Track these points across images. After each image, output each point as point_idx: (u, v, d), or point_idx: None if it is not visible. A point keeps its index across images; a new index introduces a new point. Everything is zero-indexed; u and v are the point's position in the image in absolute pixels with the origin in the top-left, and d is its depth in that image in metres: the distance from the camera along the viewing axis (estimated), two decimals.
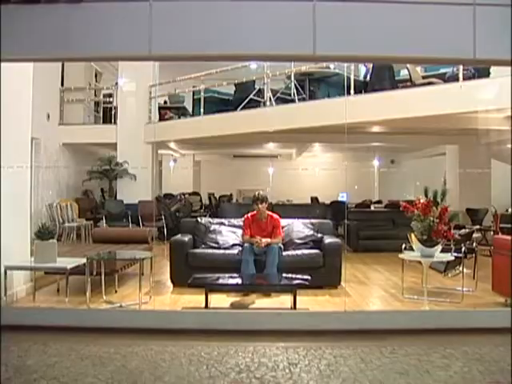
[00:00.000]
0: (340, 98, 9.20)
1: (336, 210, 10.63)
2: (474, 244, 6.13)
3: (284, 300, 5.30)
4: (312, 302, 5.27)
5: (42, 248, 4.81)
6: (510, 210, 11.16)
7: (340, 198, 15.41)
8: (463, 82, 8.16)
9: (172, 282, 6.02)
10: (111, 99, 13.09)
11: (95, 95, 13.59)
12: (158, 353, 3.75)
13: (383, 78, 9.30)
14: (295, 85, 10.28)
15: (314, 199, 14.77)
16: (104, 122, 13.13)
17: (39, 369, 3.39)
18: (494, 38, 4.31)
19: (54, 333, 4.14)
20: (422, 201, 5.08)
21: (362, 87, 9.52)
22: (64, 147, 12.02)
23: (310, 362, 3.61)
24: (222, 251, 6.16)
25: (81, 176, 12.24)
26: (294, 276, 5.27)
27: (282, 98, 10.51)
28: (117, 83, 12.51)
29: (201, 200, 14.34)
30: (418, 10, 4.32)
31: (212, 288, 5.05)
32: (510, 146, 10.33)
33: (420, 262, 5.25)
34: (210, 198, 14.34)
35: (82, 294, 5.14)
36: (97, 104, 13.53)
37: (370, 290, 6.33)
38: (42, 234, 4.86)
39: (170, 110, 12.88)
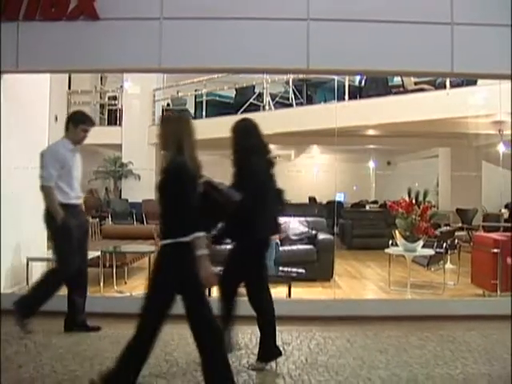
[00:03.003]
0: (336, 103, 9.68)
1: (332, 209, 11.09)
2: (456, 241, 6.60)
3: (280, 291, 5.75)
4: (306, 294, 5.74)
5: None
6: (502, 210, 11.64)
7: (337, 198, 15.90)
8: (452, 89, 8.65)
9: None
10: (116, 102, 13.58)
11: (100, 98, 14.04)
12: (167, 334, 4.17)
13: (377, 84, 9.78)
14: (293, 90, 10.75)
15: (312, 199, 15.23)
16: (109, 123, 13.59)
17: (64, 345, 3.87)
18: (469, 54, 4.79)
19: None
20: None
21: (357, 92, 10.00)
22: None
23: (301, 342, 4.10)
24: (222, 246, 6.60)
25: (86, 175, 12.71)
26: (289, 269, 5.74)
27: (281, 103, 11.00)
28: (122, 86, 12.99)
29: None
30: (402, 29, 4.79)
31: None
32: (497, 148, 10.80)
33: (405, 257, 5.73)
34: None
35: (94, 285, 5.60)
36: (102, 106, 13.99)
37: (360, 283, 6.80)
38: None
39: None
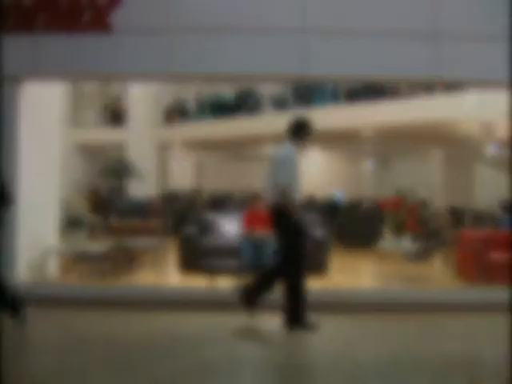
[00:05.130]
0: (332, 106, 10.10)
1: (328, 208, 11.51)
2: (444, 237, 7.01)
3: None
4: None
5: (75, 235, 5.71)
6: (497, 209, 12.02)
7: (335, 197, 16.30)
8: (444, 94, 9.07)
9: (180, 268, 6.87)
10: (120, 103, 13.99)
11: (105, 99, 14.45)
12: (174, 318, 4.63)
13: (373, 88, 10.19)
14: (292, 93, 11.17)
15: (310, 198, 15.59)
16: (113, 124, 14.01)
17: (83, 327, 4.29)
18: (456, 63, 5.21)
19: (86, 304, 5.02)
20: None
21: (355, 96, 10.42)
22: (76, 148, 12.90)
23: None
24: (224, 241, 7.03)
25: (92, 174, 13.12)
26: None
27: (280, 105, 11.42)
28: (126, 89, 13.39)
29: (203, 197, 15.20)
30: (393, 40, 5.21)
31: (215, 272, 5.91)
32: (488, 150, 11.22)
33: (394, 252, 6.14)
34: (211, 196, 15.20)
35: (104, 278, 6.03)
36: (106, 107, 14.40)
37: (354, 277, 7.17)
38: (76, 223, 5.76)
39: (175, 113, 13.78)
